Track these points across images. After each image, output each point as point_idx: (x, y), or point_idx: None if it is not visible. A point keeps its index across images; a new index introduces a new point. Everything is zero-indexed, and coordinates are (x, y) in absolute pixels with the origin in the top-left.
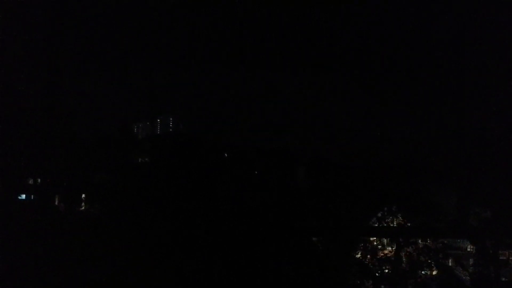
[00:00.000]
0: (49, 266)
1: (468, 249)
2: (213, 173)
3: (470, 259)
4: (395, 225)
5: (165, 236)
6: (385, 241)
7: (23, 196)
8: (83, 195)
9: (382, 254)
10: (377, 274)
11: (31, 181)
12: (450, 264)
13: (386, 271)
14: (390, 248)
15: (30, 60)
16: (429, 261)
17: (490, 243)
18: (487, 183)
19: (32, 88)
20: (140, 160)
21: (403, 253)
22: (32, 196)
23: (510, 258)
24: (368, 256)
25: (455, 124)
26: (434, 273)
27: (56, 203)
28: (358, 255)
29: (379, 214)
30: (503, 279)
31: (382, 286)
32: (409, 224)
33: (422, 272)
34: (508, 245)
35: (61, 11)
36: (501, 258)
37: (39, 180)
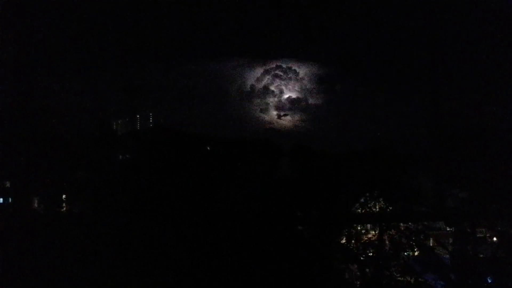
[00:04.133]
0: (29, 270)
1: (448, 229)
2: (196, 167)
3: (450, 239)
4: (377, 210)
5: (150, 233)
6: (368, 225)
7: (1, 200)
8: (64, 196)
9: (366, 239)
10: (361, 258)
11: (8, 184)
12: (430, 244)
13: (371, 254)
14: (373, 232)
15: (1, 58)
16: (411, 242)
17: (467, 223)
18: (463, 166)
19: (4, 87)
20: (121, 157)
21: (386, 237)
22: (10, 199)
23: (487, 236)
24: (353, 241)
25: (431, 110)
26: (416, 253)
27: (36, 205)
28: (343, 241)
29: (362, 200)
30: (481, 255)
31: (367, 270)
32: (390, 208)
33: (405, 253)
34: (484, 224)
35: (34, 8)
36: (478, 236)
37: (15, 182)
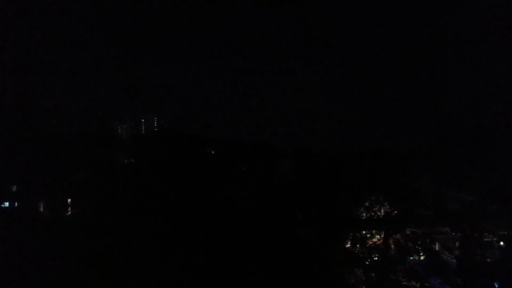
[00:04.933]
0: (35, 272)
1: (454, 233)
2: (196, 167)
3: (456, 243)
4: (382, 214)
5: (152, 234)
6: (373, 230)
7: (7, 204)
8: (69, 200)
9: (371, 243)
10: (367, 262)
11: (14, 188)
12: (436, 248)
13: (376, 259)
14: (378, 236)
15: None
16: (416, 246)
17: (470, 227)
18: (465, 168)
19: (5, 89)
20: (126, 161)
21: (391, 241)
22: (16, 203)
23: (494, 240)
24: (358, 245)
25: (431, 111)
26: (421, 258)
27: (42, 209)
28: (348, 245)
29: (367, 204)
30: (488, 260)
31: (373, 274)
32: (395, 212)
33: (410, 257)
34: (489, 228)
35: (34, 8)
36: (486, 240)
37: (21, 186)
